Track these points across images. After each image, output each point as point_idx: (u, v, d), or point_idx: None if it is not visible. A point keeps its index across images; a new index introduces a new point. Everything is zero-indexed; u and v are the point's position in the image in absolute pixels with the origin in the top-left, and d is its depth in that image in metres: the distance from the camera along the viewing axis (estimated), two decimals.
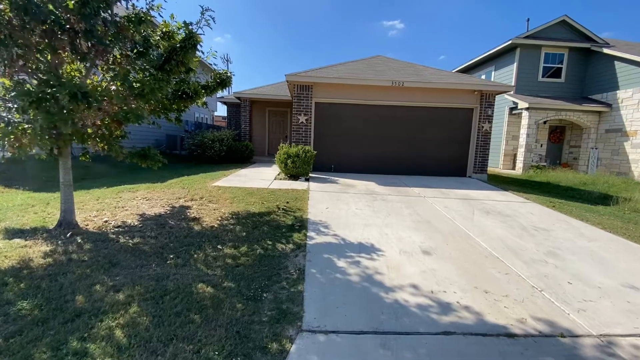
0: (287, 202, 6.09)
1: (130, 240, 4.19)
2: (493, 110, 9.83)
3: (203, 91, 4.59)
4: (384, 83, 9.45)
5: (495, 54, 15.99)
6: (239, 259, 3.82)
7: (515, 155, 15.17)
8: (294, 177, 8.66)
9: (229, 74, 4.98)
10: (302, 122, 9.66)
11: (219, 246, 4.13)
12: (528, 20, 16.03)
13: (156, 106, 4.36)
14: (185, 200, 6.05)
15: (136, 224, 4.79)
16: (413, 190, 7.84)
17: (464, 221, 5.60)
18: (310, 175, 9.08)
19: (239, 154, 12.61)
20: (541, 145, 15.34)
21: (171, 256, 3.81)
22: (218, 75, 4.95)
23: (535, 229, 5.43)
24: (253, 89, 14.16)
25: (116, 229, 4.56)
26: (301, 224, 5.01)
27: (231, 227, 4.81)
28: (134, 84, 3.70)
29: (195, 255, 3.86)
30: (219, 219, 5.13)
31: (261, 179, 8.43)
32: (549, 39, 14.56)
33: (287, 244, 4.32)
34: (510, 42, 14.30)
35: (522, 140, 14.03)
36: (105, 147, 4.19)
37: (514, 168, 15.07)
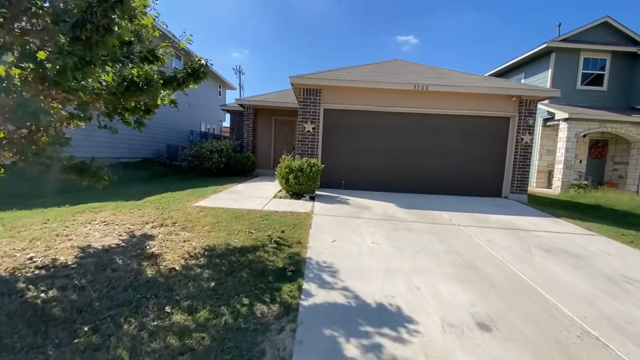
0: (283, 232, 4.70)
1: (42, 294, 2.87)
2: (535, 120, 8.30)
3: (161, 82, 3.33)
4: (405, 87, 8.09)
5: (525, 60, 14.47)
6: (190, 335, 2.43)
7: (550, 172, 13.44)
8: (296, 195, 7.29)
9: (202, 62, 3.72)
10: (308, 131, 8.35)
11: (168, 308, 2.75)
12: (559, 25, 14.42)
13: (96, 100, 3.11)
14: (152, 226, 4.74)
15: (70, 263, 3.48)
16: (442, 215, 6.33)
17: (522, 266, 4.07)
18: (316, 192, 7.71)
19: (239, 166, 11.38)
20: (580, 162, 13.53)
21: (86, 328, 2.45)
22: (189, 64, 3.70)
23: (627, 280, 3.85)
24: (257, 96, 13.04)
25: (37, 272, 3.25)
26: (296, 268, 3.60)
27: (198, 271, 3.44)
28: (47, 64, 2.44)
29: (125, 327, 2.49)
30: (186, 256, 3.78)
31: (257, 197, 7.10)
32: (589, 42, 12.99)
33: (272, 303, 2.91)
34: (544, 45, 12.80)
35: (560, 155, 12.32)
36: (16, 156, 2.92)
37: (549, 186, 13.32)
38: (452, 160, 8.63)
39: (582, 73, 13.23)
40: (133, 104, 3.68)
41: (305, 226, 5.02)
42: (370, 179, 8.69)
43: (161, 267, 3.50)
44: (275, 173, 7.70)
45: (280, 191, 7.80)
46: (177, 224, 4.85)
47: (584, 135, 13.07)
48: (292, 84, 8.24)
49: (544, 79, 13.54)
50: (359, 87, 8.25)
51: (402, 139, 8.63)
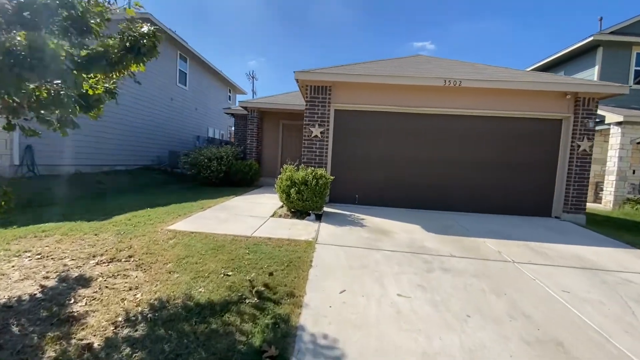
0: (271, 274, 3.39)
1: None
2: (595, 122, 6.75)
3: (64, 54, 2.14)
4: (433, 82, 6.71)
5: (566, 57, 12.81)
6: None
7: (597, 184, 11.66)
8: (299, 213, 6.00)
9: (144, 30, 2.51)
10: (315, 136, 7.08)
11: None
12: (601, 19, 12.75)
13: None
14: (99, 262, 3.54)
15: None
16: (486, 244, 4.89)
17: (632, 340, 2.61)
18: (324, 209, 6.41)
19: (240, 175, 10.20)
20: (634, 172, 11.68)
21: None
22: (129, 32, 2.49)
23: None
24: (263, 98, 11.93)
25: None
26: (280, 348, 2.28)
27: (125, 351, 2.18)
28: None
29: None
30: (119, 320, 2.52)
31: (252, 215, 5.85)
32: None
33: None
34: (591, 39, 11.16)
35: (612, 165, 10.57)
36: None
37: (596, 200, 11.53)
38: (490, 172, 7.15)
39: (635, 70, 11.47)
40: (45, 94, 2.50)
41: (304, 264, 3.70)
42: (390, 193, 7.31)
43: (72, 341, 2.26)
44: (275, 186, 6.46)
45: (281, 207, 6.53)
46: (132, 259, 3.63)
47: (638, 142, 11.28)
48: (297, 81, 7.01)
49: (588, 77, 11.84)
50: (377, 84, 6.94)
51: (428, 145, 7.23)
